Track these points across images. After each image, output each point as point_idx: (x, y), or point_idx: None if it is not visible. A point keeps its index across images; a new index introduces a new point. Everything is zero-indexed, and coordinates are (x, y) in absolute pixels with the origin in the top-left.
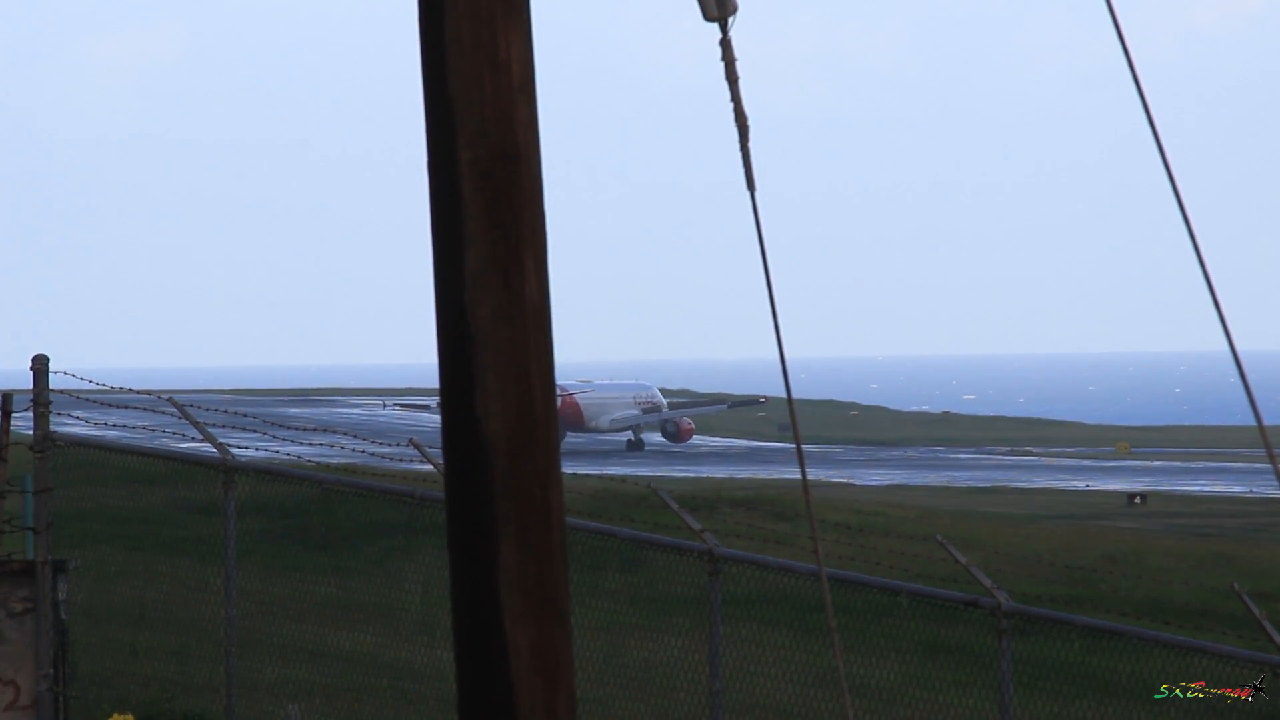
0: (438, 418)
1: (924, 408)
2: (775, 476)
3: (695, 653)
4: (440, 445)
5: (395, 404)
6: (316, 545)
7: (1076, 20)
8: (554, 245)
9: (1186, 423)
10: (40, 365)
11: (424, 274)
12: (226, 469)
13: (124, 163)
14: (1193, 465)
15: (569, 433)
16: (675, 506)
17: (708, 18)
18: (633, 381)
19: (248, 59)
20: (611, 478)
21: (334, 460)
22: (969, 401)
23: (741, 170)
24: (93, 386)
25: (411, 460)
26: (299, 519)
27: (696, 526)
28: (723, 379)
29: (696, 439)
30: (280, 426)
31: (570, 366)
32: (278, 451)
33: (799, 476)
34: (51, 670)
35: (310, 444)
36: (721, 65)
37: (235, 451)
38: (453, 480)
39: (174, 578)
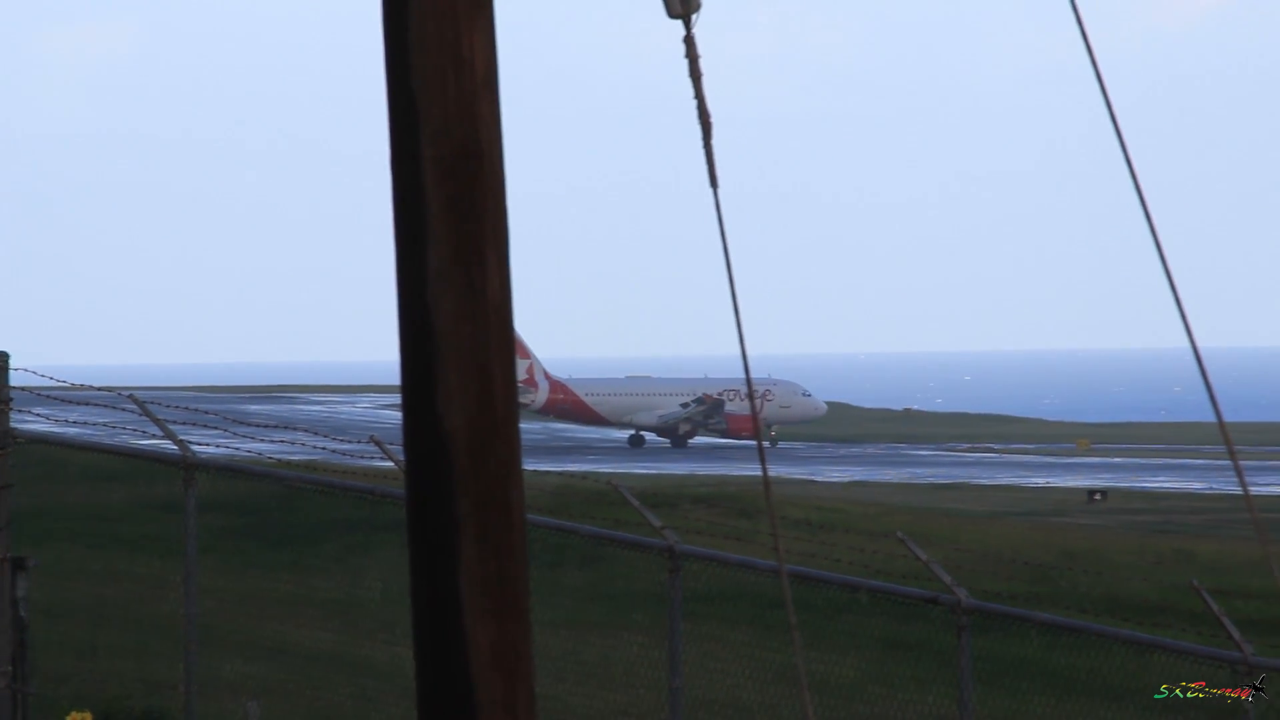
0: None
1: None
2: (736, 473)
3: (655, 649)
4: (401, 442)
5: None
6: (276, 542)
7: (1038, 17)
8: (520, 243)
9: (1145, 419)
10: (0, 362)
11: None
12: (187, 466)
13: (83, 158)
14: (1152, 462)
15: (588, 427)
16: (636, 503)
17: (671, 15)
18: (764, 376)
19: (208, 53)
20: (572, 474)
21: (295, 457)
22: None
23: (705, 167)
24: (53, 383)
25: (373, 457)
26: (259, 516)
27: (657, 523)
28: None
29: (656, 438)
30: (241, 423)
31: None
32: (239, 448)
33: (760, 473)
34: (10, 667)
35: (271, 441)
36: (685, 62)
37: (196, 448)
38: (413, 477)
39: (133, 575)
